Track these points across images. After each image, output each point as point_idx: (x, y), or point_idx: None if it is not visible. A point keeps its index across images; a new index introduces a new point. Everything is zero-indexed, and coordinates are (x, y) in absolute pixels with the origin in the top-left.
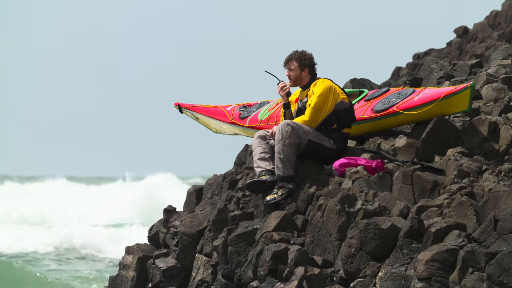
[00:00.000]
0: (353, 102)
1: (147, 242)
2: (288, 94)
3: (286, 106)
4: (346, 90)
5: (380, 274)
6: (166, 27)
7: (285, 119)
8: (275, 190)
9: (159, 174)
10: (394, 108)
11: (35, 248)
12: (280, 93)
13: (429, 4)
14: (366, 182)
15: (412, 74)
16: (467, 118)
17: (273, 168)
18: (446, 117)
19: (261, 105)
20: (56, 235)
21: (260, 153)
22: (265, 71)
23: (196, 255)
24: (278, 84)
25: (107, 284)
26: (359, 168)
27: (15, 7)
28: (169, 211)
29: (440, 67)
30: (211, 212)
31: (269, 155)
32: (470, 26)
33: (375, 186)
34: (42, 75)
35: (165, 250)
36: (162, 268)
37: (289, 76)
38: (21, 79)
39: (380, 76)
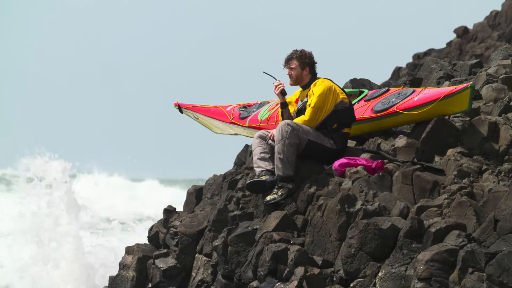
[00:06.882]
0: (353, 102)
1: (147, 242)
2: (283, 92)
3: (283, 105)
4: (346, 90)
5: (380, 274)
6: (167, 29)
7: (283, 118)
8: (275, 190)
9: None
10: (394, 108)
11: None
12: (275, 92)
13: (429, 4)
14: (366, 182)
15: (412, 74)
16: (467, 118)
17: (273, 168)
18: (446, 117)
19: (261, 105)
20: None
21: (260, 153)
22: (263, 72)
23: (196, 255)
24: (273, 83)
25: (107, 284)
26: (359, 168)
27: (15, 9)
28: (169, 211)
29: (440, 67)
30: (211, 212)
31: (269, 155)
32: (470, 26)
33: (375, 186)
34: (42, 78)
35: (165, 250)
36: (162, 268)
37: (290, 75)
38: (20, 81)
39: (380, 76)
